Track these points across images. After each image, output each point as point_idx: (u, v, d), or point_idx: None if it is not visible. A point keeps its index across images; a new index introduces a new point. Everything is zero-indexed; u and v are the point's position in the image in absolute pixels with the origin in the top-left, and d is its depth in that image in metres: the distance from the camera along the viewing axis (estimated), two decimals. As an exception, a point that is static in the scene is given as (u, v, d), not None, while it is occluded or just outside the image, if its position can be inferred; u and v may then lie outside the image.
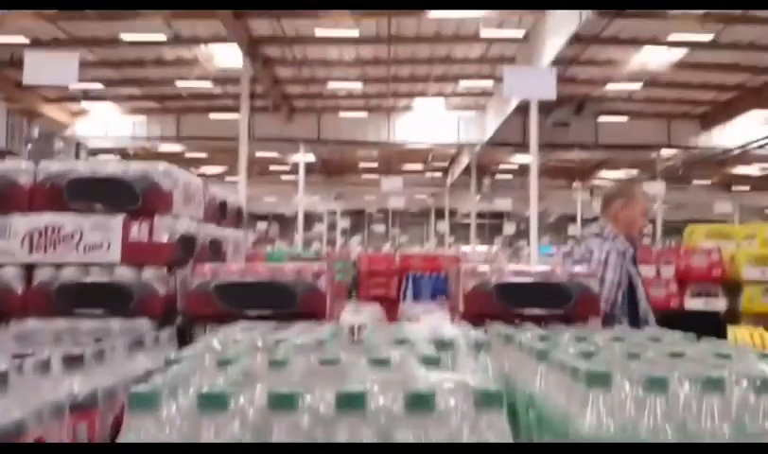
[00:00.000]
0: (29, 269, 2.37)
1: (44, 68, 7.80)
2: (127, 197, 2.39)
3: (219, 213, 3.08)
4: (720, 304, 6.20)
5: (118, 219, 2.37)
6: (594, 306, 2.31)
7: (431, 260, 7.62)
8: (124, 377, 1.52)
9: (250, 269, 2.38)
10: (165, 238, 2.38)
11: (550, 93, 8.91)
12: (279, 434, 0.93)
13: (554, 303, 2.25)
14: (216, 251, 2.89)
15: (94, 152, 17.61)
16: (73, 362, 1.36)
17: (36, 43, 17.30)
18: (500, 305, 2.25)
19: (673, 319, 3.42)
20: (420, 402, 0.97)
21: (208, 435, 0.92)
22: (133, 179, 2.39)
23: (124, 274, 2.33)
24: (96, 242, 2.34)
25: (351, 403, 0.96)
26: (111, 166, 2.45)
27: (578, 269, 2.46)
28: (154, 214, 2.39)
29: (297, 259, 8.15)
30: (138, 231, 2.35)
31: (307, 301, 2.31)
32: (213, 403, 0.94)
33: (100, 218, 2.37)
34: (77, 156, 10.62)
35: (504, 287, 2.26)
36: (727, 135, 24.04)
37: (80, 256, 2.35)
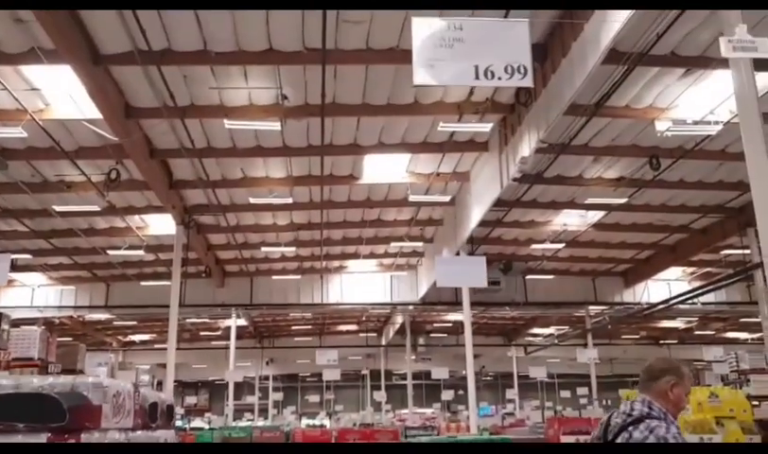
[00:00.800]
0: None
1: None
2: (53, 414, 2.28)
3: (150, 416, 2.97)
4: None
5: (41, 440, 2.25)
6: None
7: (369, 435, 7.48)
8: None
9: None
10: (91, 457, 2.26)
11: (481, 280, 9.29)
12: None
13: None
14: (145, 457, 2.76)
15: (16, 323, 16.81)
16: None
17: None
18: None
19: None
20: None
21: None
22: (61, 394, 2.30)
23: (44, 500, 2.19)
24: (16, 465, 2.20)
25: None
26: (37, 381, 2.36)
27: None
28: (81, 431, 2.29)
29: (228, 440, 7.83)
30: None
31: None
32: None
33: (22, 438, 2.24)
34: (-2, 327, 10.11)
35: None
36: (650, 291, 25.22)
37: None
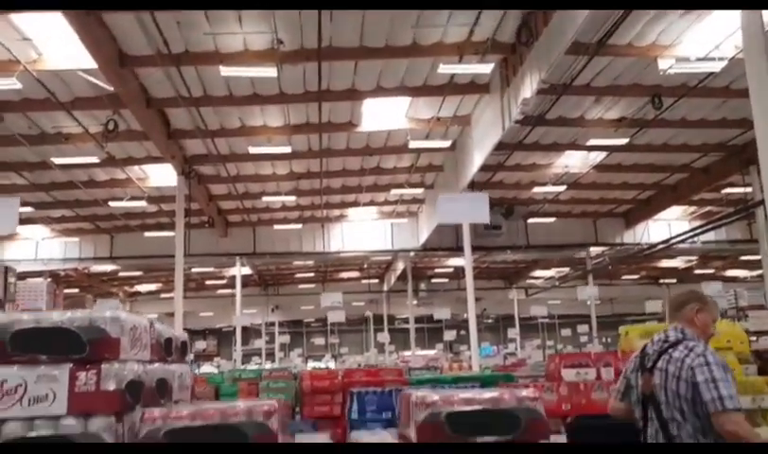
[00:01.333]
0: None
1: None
2: (73, 346, 2.36)
3: (165, 350, 3.05)
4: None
5: (64, 370, 2.33)
6: (542, 431, 2.37)
7: (374, 374, 7.59)
8: None
9: (200, 412, 2.35)
10: (112, 387, 2.34)
11: (483, 216, 9.30)
12: None
13: (504, 429, 2.30)
14: (162, 389, 2.84)
15: (23, 276, 17.10)
16: None
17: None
18: (452, 434, 2.29)
19: (618, 424, 3.45)
20: None
21: None
22: (80, 327, 2.37)
23: (70, 426, 2.27)
24: (42, 394, 2.29)
25: None
26: (56, 316, 2.43)
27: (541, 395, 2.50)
28: (101, 362, 2.36)
29: (238, 380, 7.98)
30: (85, 381, 2.31)
31: (259, 440, 2.29)
32: None
33: (46, 368, 2.32)
34: (5, 281, 10.23)
35: (455, 416, 2.31)
36: (651, 231, 25.34)
37: (25, 410, 2.28)
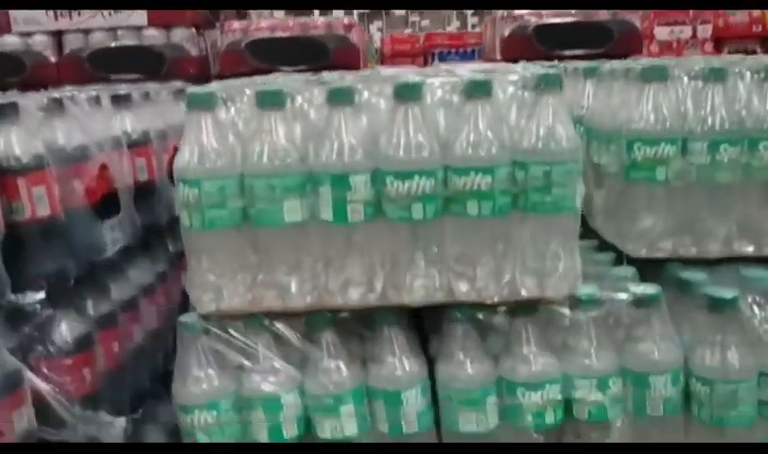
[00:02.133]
0: (59, 36, 2.33)
1: None
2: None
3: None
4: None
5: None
6: (637, 44, 2.23)
7: (457, 38, 7.39)
8: (172, 122, 1.54)
9: (280, 25, 2.32)
10: (188, -6, 2.30)
11: None
12: (337, 126, 0.93)
13: (596, 42, 2.17)
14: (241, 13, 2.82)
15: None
16: (122, 101, 1.37)
17: None
18: (540, 48, 2.19)
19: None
20: (478, 88, 0.95)
21: (268, 128, 0.92)
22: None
23: (153, 37, 2.29)
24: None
25: (408, 93, 0.94)
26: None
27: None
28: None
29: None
30: (161, -8, 2.27)
31: (341, 54, 2.27)
32: (272, 100, 0.94)
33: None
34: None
35: (544, 28, 2.18)
36: None
37: (107, 20, 2.29)
